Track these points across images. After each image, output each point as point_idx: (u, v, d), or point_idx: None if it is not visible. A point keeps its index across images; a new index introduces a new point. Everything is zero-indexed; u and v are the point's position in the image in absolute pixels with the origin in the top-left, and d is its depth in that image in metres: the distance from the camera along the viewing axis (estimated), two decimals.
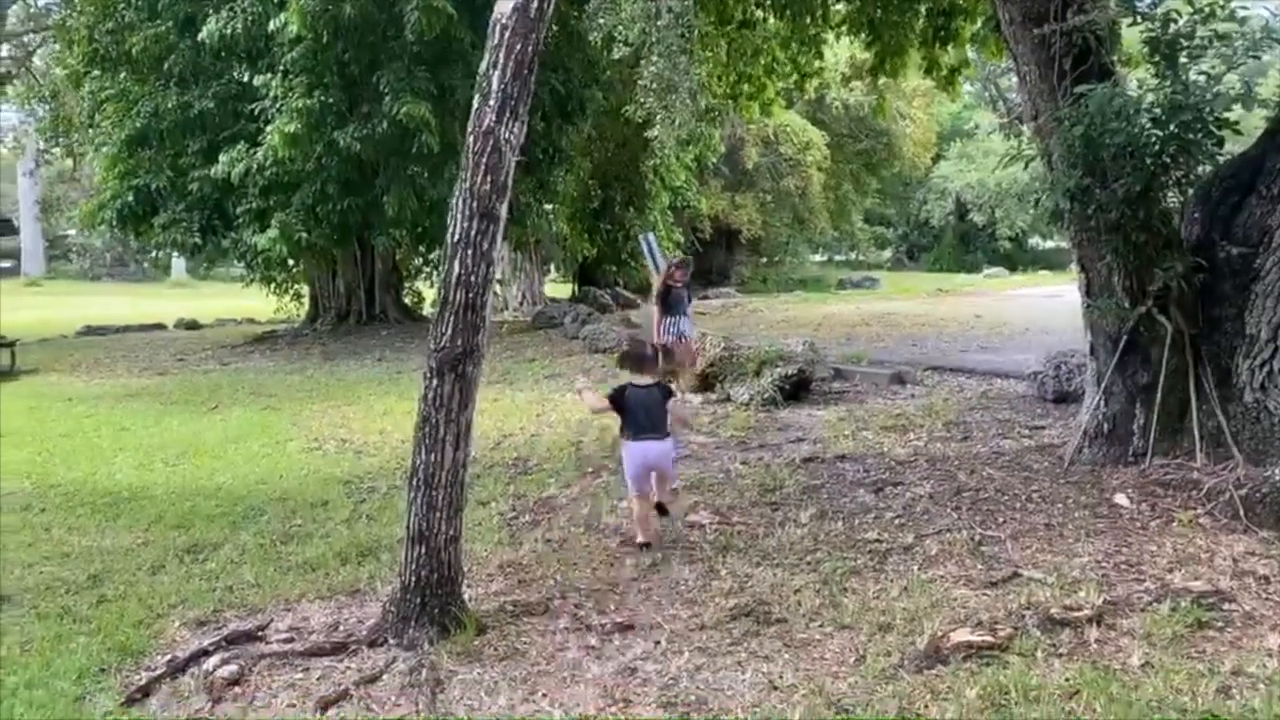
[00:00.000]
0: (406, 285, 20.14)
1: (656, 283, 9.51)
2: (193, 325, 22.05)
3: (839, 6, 12.55)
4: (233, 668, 3.64)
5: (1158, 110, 5.07)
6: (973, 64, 13.81)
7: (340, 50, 14.26)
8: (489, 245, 3.85)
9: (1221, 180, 5.47)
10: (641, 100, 11.13)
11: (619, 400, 4.95)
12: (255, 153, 14.26)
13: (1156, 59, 5.15)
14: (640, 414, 4.91)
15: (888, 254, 47.75)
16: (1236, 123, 5.02)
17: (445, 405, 3.84)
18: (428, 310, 18.84)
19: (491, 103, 3.81)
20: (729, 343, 9.34)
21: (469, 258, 3.82)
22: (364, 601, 4.35)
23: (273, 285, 19.41)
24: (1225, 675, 3.21)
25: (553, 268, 29.78)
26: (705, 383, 9.20)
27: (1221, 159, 5.35)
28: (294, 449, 7.99)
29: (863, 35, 12.65)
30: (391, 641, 3.82)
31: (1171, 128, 5.00)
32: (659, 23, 10.14)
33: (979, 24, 11.55)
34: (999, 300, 20.45)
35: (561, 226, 22.81)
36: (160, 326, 21.92)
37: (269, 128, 14.01)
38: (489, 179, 3.81)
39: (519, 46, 3.81)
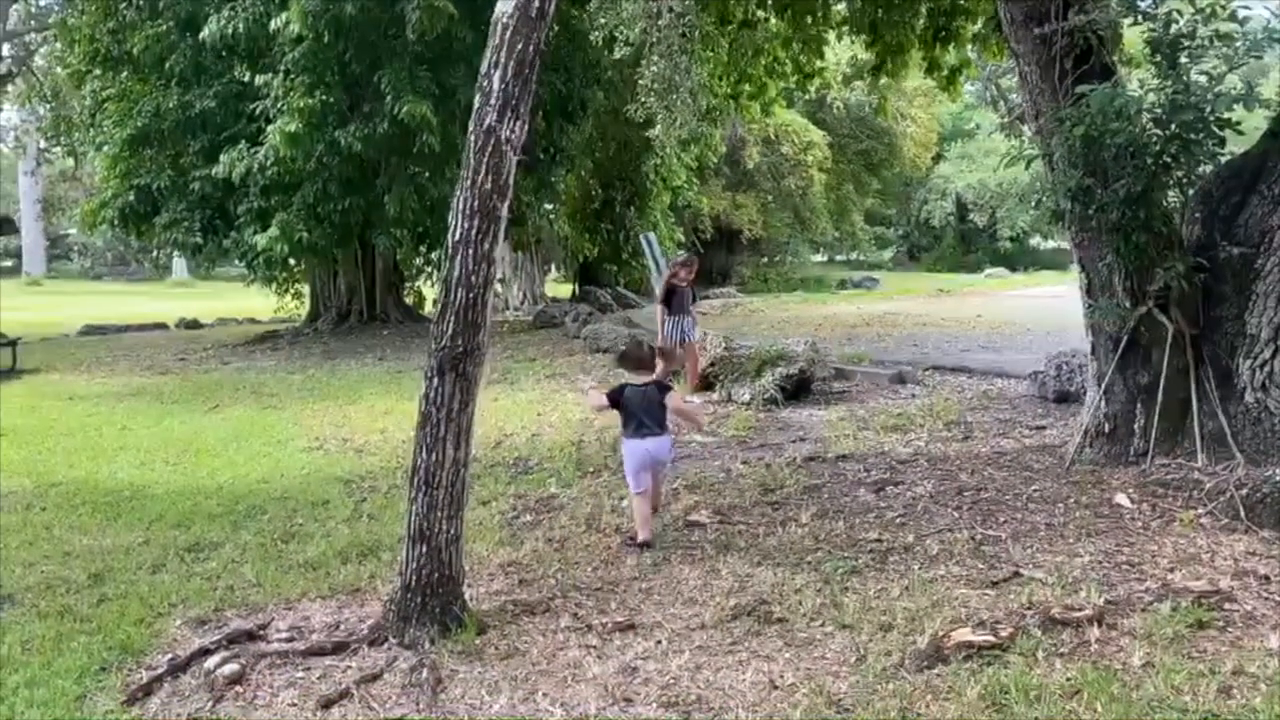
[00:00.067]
0: (407, 285, 20.14)
1: (657, 282, 9.52)
2: (194, 325, 22.08)
3: (840, 7, 12.54)
4: (234, 667, 3.63)
5: (1159, 110, 5.08)
6: (974, 64, 13.78)
7: (341, 50, 14.26)
8: (490, 245, 3.85)
9: (1222, 180, 5.48)
10: (643, 100, 11.11)
11: (618, 399, 5.00)
12: (256, 152, 14.25)
13: (1158, 59, 5.15)
14: (639, 412, 4.96)
15: (889, 254, 47.76)
16: (1238, 123, 5.02)
17: (446, 404, 3.85)
18: (428, 310, 18.85)
19: (493, 102, 3.81)
20: (730, 343, 9.34)
21: (470, 257, 3.82)
22: (365, 601, 4.35)
23: (274, 285, 19.42)
24: (1226, 675, 3.21)
25: (554, 267, 29.82)
26: (706, 383, 9.20)
27: (1223, 159, 5.35)
28: (295, 448, 7.99)
29: (864, 35, 12.64)
30: (392, 641, 3.82)
31: (1173, 128, 5.01)
32: (660, 22, 10.14)
33: (980, 24, 11.54)
34: (1000, 300, 20.45)
35: (562, 226, 22.85)
36: (161, 326, 21.95)
37: (270, 127, 14.01)
38: (490, 178, 3.81)
39: (520, 46, 3.81)
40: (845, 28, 12.93)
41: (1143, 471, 5.37)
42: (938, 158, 38.99)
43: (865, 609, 3.91)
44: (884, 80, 14.07)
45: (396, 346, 15.21)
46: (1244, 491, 4.71)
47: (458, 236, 3.83)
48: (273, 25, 13.74)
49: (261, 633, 4.00)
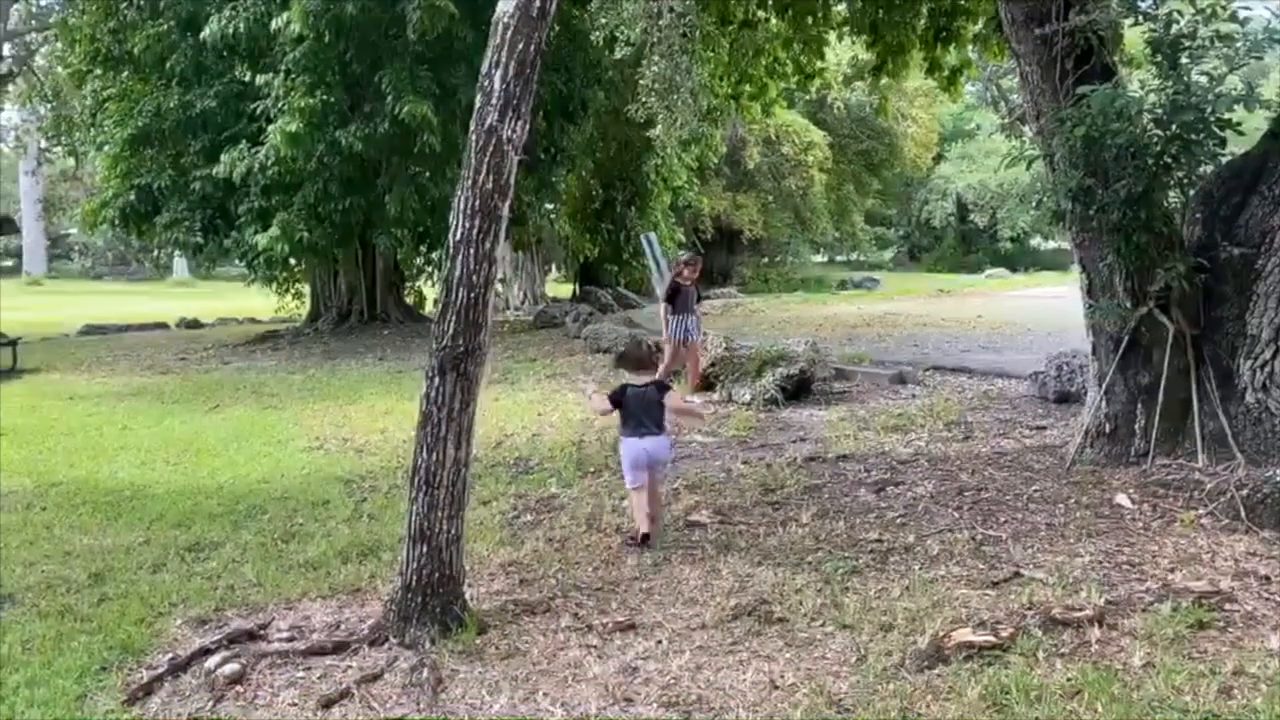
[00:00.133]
0: (408, 285, 20.14)
1: (657, 282, 9.56)
2: (194, 324, 22.08)
3: (840, 7, 12.54)
4: (234, 666, 3.63)
5: (1159, 111, 5.08)
6: (974, 64, 13.77)
7: (342, 49, 14.26)
8: (491, 244, 3.85)
9: (1223, 181, 5.48)
10: (643, 100, 11.11)
11: (619, 399, 5.02)
12: (257, 152, 14.25)
13: (1158, 59, 5.15)
14: (638, 411, 4.99)
15: (889, 255, 47.75)
16: (1238, 123, 5.02)
17: (447, 404, 3.85)
18: (429, 310, 18.86)
19: (494, 102, 3.81)
20: (730, 343, 9.35)
21: (471, 257, 3.82)
22: (365, 600, 4.35)
23: (274, 285, 19.42)
24: (1226, 675, 3.21)
25: (554, 267, 29.83)
26: (706, 383, 9.21)
27: (1223, 159, 5.35)
28: (295, 448, 7.99)
29: (864, 36, 12.64)
30: (393, 640, 3.82)
31: (1173, 128, 5.01)
32: (661, 22, 10.14)
33: (980, 24, 11.53)
34: (1000, 301, 20.44)
35: (563, 226, 22.85)
36: (162, 326, 21.95)
37: (271, 127, 14.01)
38: (491, 178, 3.82)
39: (521, 46, 3.81)
40: (846, 28, 12.93)
41: (1143, 472, 5.37)
42: (938, 158, 38.97)
43: (866, 609, 3.91)
44: (885, 81, 14.06)
45: (397, 346, 15.21)
46: (1244, 492, 4.71)
47: (459, 236, 3.83)
48: (274, 25, 13.74)
49: (262, 632, 4.00)
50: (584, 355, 12.78)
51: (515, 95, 3.81)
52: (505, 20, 3.82)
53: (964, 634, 3.53)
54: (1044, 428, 7.09)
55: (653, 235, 22.98)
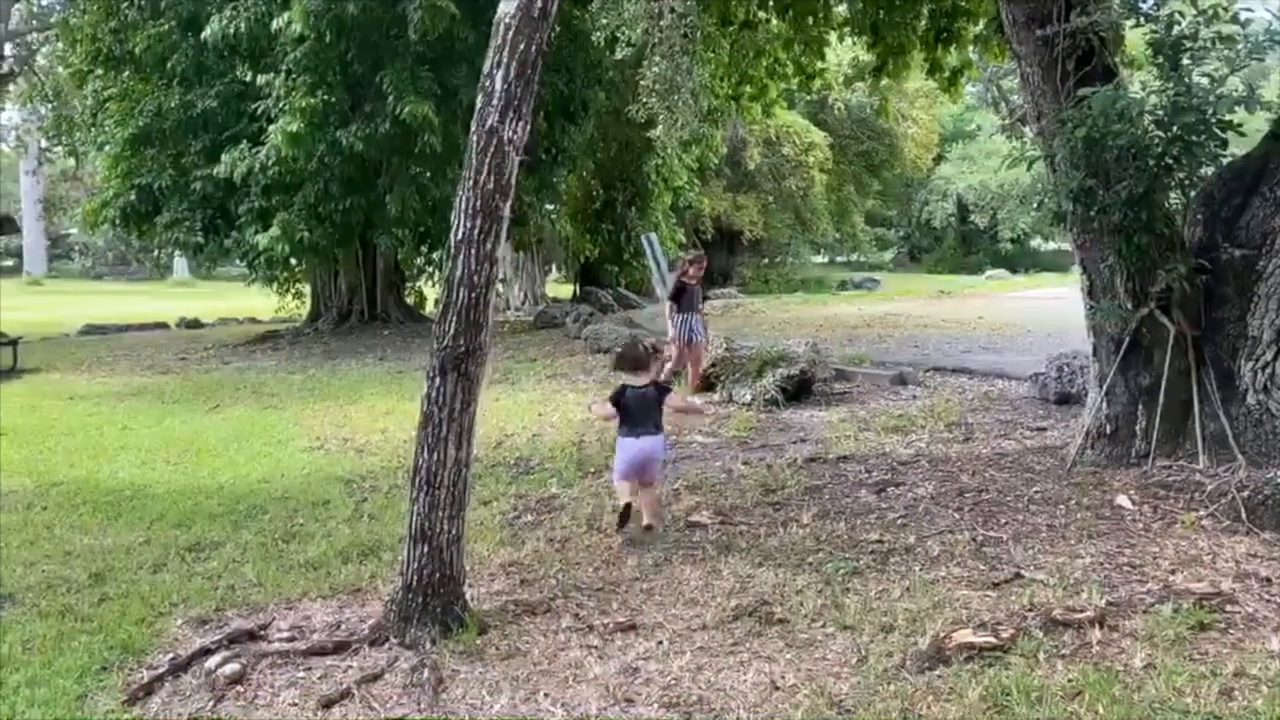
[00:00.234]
0: (409, 285, 20.15)
1: (658, 283, 9.57)
2: (195, 324, 22.09)
3: (841, 8, 12.54)
4: (234, 666, 3.63)
5: (1161, 112, 5.08)
6: (975, 65, 13.78)
7: (343, 49, 14.26)
8: (492, 245, 3.85)
9: (1224, 182, 5.48)
10: (644, 101, 11.12)
11: (619, 401, 5.06)
12: (258, 152, 14.25)
13: (1160, 61, 5.15)
14: (637, 412, 5.03)
15: (889, 255, 47.76)
16: (1239, 125, 5.02)
17: (448, 404, 3.85)
18: (429, 310, 18.86)
19: (495, 102, 3.81)
20: (731, 343, 9.35)
21: (472, 257, 3.82)
22: (366, 600, 4.35)
23: (274, 285, 19.42)
24: (1227, 677, 3.21)
25: (555, 268, 29.83)
26: (707, 383, 9.21)
27: (1224, 161, 5.35)
28: (296, 448, 7.99)
29: (865, 37, 12.64)
30: (393, 640, 3.82)
31: (1174, 129, 5.01)
32: (662, 23, 10.15)
33: (981, 25, 11.53)
34: (1001, 302, 20.45)
35: (564, 226, 22.86)
36: (162, 325, 21.95)
37: (272, 127, 14.01)
38: (492, 178, 3.82)
39: (522, 46, 3.81)
40: (846, 29, 12.92)
41: (1144, 473, 5.37)
42: (939, 159, 38.98)
43: (866, 610, 3.91)
44: (885, 81, 14.06)
45: (397, 346, 15.21)
46: (1245, 493, 4.71)
47: (460, 236, 3.83)
48: (274, 25, 13.75)
49: (262, 632, 4.00)
50: (584, 355, 12.78)
51: (516, 96, 3.81)
52: (507, 21, 3.82)
53: (965, 635, 3.53)
54: (1044, 429, 7.09)
55: (653, 236, 22.95)
